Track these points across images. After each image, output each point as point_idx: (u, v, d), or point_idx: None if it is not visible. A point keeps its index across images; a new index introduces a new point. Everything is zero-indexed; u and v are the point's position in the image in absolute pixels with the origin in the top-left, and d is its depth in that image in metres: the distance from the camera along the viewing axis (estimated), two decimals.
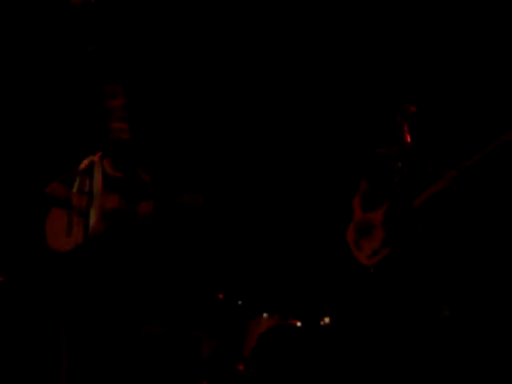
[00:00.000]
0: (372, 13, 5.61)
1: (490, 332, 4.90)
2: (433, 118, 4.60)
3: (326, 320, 5.23)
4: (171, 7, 5.79)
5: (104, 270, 4.07)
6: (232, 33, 5.93)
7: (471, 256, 5.23)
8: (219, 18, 5.87)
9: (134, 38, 5.84)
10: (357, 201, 4.30)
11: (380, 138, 4.41)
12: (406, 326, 3.97)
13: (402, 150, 4.15)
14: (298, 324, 5.21)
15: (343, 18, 5.73)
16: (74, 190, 3.80)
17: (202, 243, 6.04)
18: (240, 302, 5.60)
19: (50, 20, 5.60)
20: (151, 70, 5.99)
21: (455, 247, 5.16)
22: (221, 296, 5.69)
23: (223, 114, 6.18)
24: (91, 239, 3.80)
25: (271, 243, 5.98)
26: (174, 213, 4.06)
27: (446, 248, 4.31)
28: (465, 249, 5.25)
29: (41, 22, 5.63)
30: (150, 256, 5.68)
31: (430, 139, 4.26)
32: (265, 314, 5.31)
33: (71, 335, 3.91)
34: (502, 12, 5.18)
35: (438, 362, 3.93)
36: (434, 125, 4.62)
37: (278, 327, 5.13)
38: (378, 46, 5.70)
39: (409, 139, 4.17)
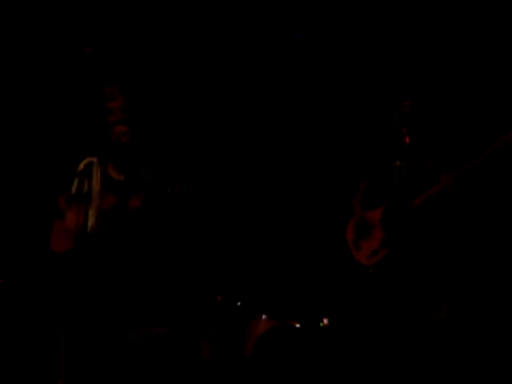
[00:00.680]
0: (370, 14, 5.62)
1: (488, 334, 4.91)
2: (432, 116, 4.60)
3: (325, 321, 5.23)
4: (171, 7, 5.79)
5: (103, 270, 4.08)
6: (228, 34, 5.94)
7: (470, 257, 5.24)
8: (216, 20, 5.88)
9: (131, 39, 5.85)
10: (356, 200, 4.31)
11: (379, 137, 4.42)
12: (404, 326, 3.97)
13: (401, 149, 4.15)
14: (297, 325, 5.21)
15: (342, 20, 5.74)
16: (73, 191, 3.80)
17: (202, 244, 6.03)
18: (239, 303, 5.59)
19: (49, 20, 5.60)
20: (149, 70, 5.99)
21: (454, 248, 5.16)
22: (219, 297, 5.68)
23: (223, 113, 6.18)
24: (89, 239, 3.83)
25: (270, 244, 5.98)
26: (165, 204, 4.07)
27: (444, 249, 4.31)
28: (464, 249, 5.26)
29: (40, 22, 5.63)
30: (149, 256, 5.68)
31: (430, 138, 4.26)
32: (264, 315, 5.30)
33: (70, 335, 3.92)
34: (500, 16, 5.19)
35: (434, 363, 3.93)
36: (433, 124, 4.62)
37: (277, 328, 5.12)
38: (377, 45, 5.71)
39: (408, 138, 4.17)
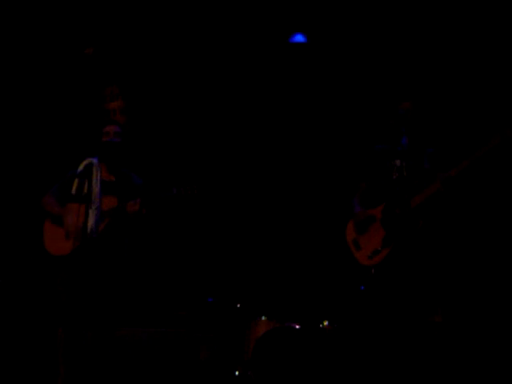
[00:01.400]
0: (371, 14, 5.63)
1: (485, 337, 4.92)
2: (431, 115, 4.60)
3: (325, 322, 5.23)
4: (170, 8, 5.79)
5: (101, 272, 4.08)
6: (227, 35, 5.94)
7: (469, 259, 5.25)
8: (214, 22, 5.88)
9: (131, 39, 5.85)
10: (356, 200, 4.30)
11: (379, 136, 4.41)
12: (401, 329, 3.97)
13: (401, 148, 4.14)
14: (297, 327, 5.20)
15: (341, 20, 5.75)
16: (73, 192, 3.79)
17: (201, 245, 6.03)
18: (239, 305, 5.58)
19: (48, 21, 5.60)
20: (147, 71, 5.99)
21: (453, 248, 5.16)
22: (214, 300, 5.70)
23: (222, 113, 6.19)
24: (88, 241, 3.82)
25: (270, 245, 5.97)
26: (161, 207, 4.11)
27: (443, 250, 4.31)
28: (463, 250, 5.26)
29: (39, 23, 5.63)
30: (148, 258, 5.67)
31: (429, 137, 4.26)
32: (263, 317, 5.29)
33: (69, 336, 3.91)
34: (499, 18, 5.21)
35: (431, 365, 3.93)
36: (432, 123, 4.62)
37: (276, 330, 5.12)
38: (377, 45, 5.72)
39: (407, 137, 4.16)
